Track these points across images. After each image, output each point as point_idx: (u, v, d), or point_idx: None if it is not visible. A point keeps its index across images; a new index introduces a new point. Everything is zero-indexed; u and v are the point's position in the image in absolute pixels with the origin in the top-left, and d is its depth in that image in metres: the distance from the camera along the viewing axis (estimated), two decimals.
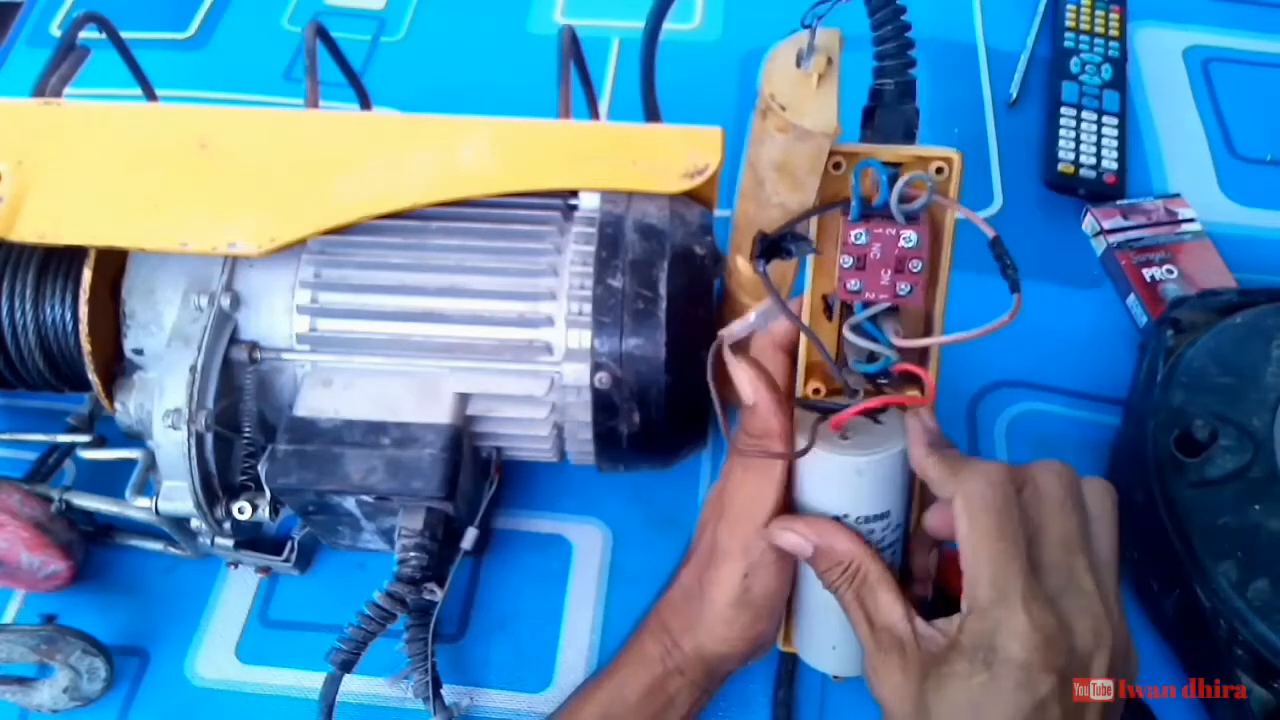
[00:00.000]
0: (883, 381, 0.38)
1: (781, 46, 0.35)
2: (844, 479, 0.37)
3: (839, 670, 0.41)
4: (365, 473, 0.42)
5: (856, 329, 0.36)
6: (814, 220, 0.37)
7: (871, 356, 0.36)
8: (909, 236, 0.34)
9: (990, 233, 0.34)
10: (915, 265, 0.35)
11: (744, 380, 0.38)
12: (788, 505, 0.39)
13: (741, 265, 0.43)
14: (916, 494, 0.39)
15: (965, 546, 0.33)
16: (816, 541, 0.36)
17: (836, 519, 0.38)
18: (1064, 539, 0.34)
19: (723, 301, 0.48)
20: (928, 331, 0.37)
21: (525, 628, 0.52)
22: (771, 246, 0.37)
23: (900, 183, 0.34)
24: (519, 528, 0.55)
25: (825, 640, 0.41)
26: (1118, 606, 0.34)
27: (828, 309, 0.38)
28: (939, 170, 0.35)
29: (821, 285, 0.38)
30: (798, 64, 0.34)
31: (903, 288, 0.35)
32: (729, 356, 0.38)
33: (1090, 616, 0.33)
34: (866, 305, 0.36)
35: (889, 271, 0.35)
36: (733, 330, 0.38)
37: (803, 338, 0.38)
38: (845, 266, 0.35)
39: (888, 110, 0.36)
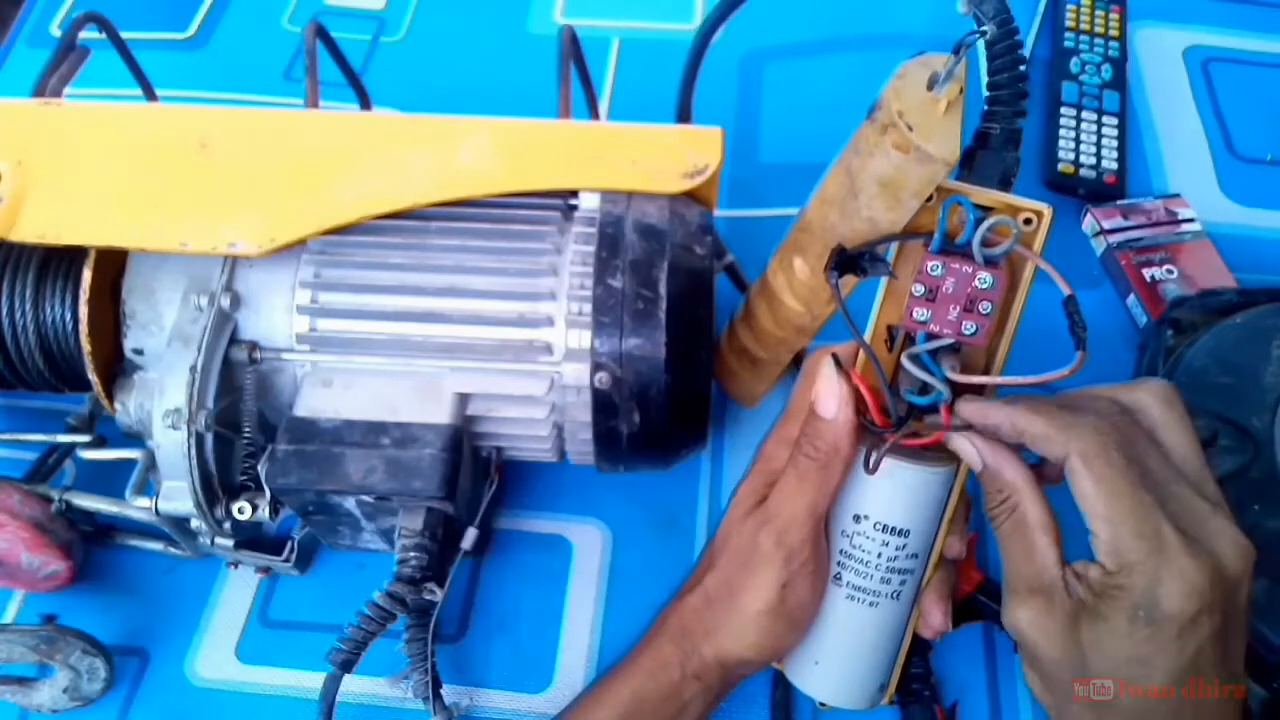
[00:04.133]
0: (930, 418, 0.37)
1: (911, 65, 0.35)
2: (873, 478, 0.37)
3: (821, 693, 0.41)
4: (365, 473, 0.42)
5: (915, 359, 0.36)
6: (894, 246, 0.37)
7: (924, 390, 0.36)
8: (984, 278, 0.34)
9: (1066, 290, 0.34)
10: (985, 307, 0.35)
11: (835, 393, 0.37)
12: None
13: (799, 268, 0.43)
14: (942, 534, 0.39)
15: (1095, 502, 0.32)
16: (989, 460, 0.35)
17: (855, 518, 0.38)
18: (1155, 472, 0.32)
19: (757, 297, 0.48)
20: (985, 372, 0.37)
21: (525, 628, 0.52)
22: (848, 262, 0.37)
23: (985, 225, 0.34)
24: (519, 528, 0.55)
25: (808, 655, 0.41)
26: (1228, 506, 0.33)
27: (890, 339, 0.38)
28: (1027, 221, 0.35)
29: (889, 314, 0.38)
30: (929, 87, 0.34)
31: (968, 326, 0.35)
32: (826, 362, 0.38)
33: (1228, 538, 0.32)
34: (929, 338, 0.36)
35: (958, 308, 0.35)
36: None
37: (860, 360, 0.38)
38: (916, 294, 0.35)
39: (990, 154, 0.36)
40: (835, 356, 0.38)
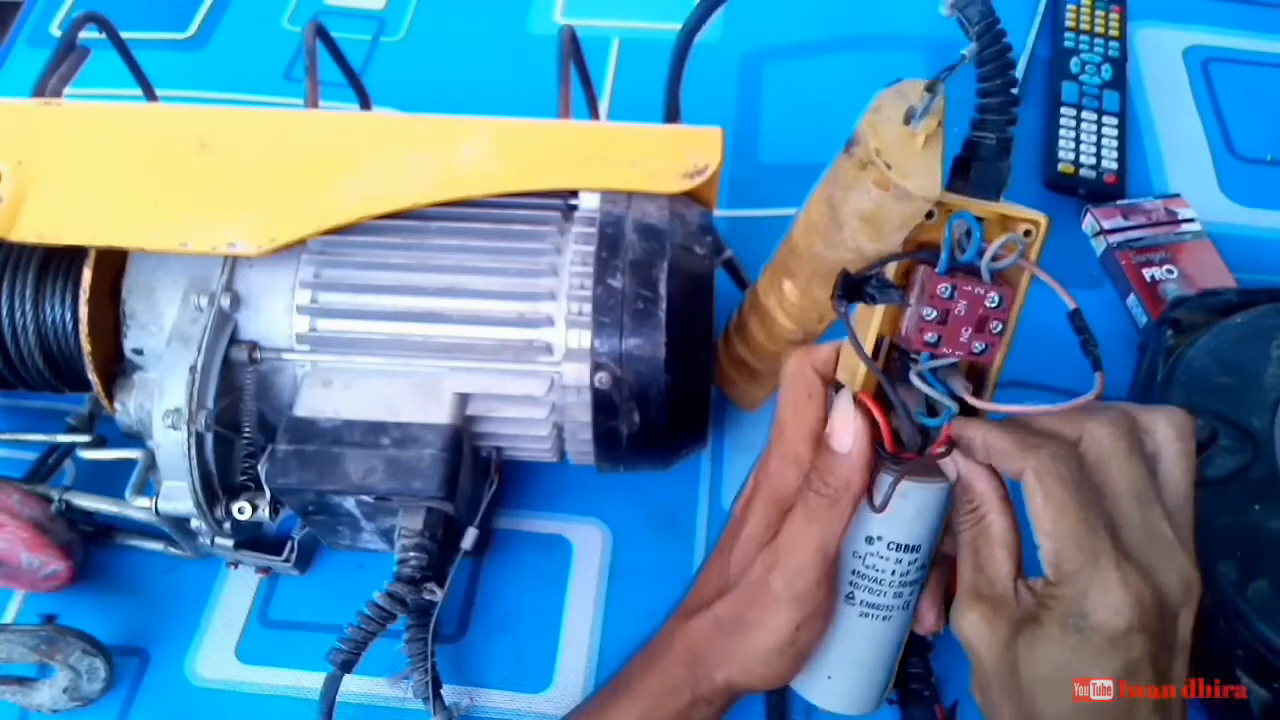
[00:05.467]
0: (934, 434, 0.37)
1: (887, 95, 0.34)
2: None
3: (834, 705, 0.41)
4: (365, 473, 0.42)
5: (922, 378, 0.35)
6: (893, 264, 0.37)
7: (932, 410, 0.36)
8: (994, 297, 0.34)
9: (1071, 304, 0.34)
10: (996, 326, 0.34)
11: (850, 426, 0.36)
12: None
13: (789, 289, 0.43)
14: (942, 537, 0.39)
15: (1043, 518, 0.33)
16: (962, 470, 0.36)
17: (868, 539, 0.38)
18: (1134, 491, 0.33)
19: (750, 312, 0.48)
20: (979, 384, 0.37)
21: (525, 628, 0.52)
22: (854, 288, 0.36)
23: (996, 244, 0.34)
24: (519, 528, 0.55)
25: (821, 670, 0.40)
26: (1194, 548, 0.34)
27: (876, 350, 0.37)
28: (1026, 233, 0.35)
29: (882, 326, 0.37)
30: (906, 120, 0.34)
31: (978, 346, 0.35)
32: (843, 395, 0.37)
33: (1176, 569, 0.33)
34: (932, 357, 0.35)
35: (969, 329, 0.34)
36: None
37: (861, 370, 0.37)
38: (927, 318, 0.34)
39: (984, 165, 0.35)
40: (855, 395, 0.37)
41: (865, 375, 0.37)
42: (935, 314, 0.34)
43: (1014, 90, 0.34)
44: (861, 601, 0.38)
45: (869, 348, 0.36)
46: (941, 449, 0.36)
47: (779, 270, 0.44)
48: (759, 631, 0.38)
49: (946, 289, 0.34)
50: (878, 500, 0.37)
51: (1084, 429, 0.34)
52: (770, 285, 0.45)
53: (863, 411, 0.36)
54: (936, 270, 0.34)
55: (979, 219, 0.34)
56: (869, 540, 0.38)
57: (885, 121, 0.34)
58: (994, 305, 0.34)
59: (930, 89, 0.33)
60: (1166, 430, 0.35)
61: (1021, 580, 0.35)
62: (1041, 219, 0.35)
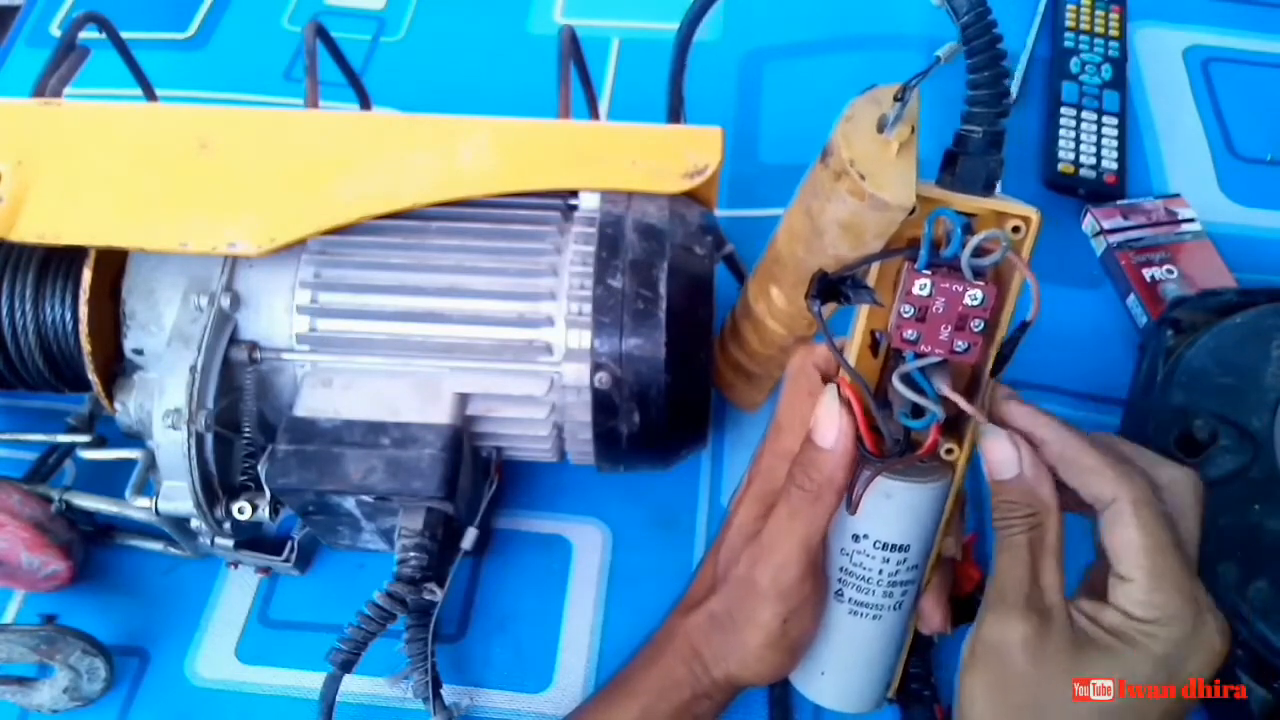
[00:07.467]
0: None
1: (859, 104, 0.34)
2: (870, 498, 0.36)
3: (828, 701, 0.41)
4: (365, 473, 0.42)
5: (906, 379, 0.35)
6: (876, 263, 0.36)
7: (917, 411, 0.35)
8: (974, 295, 0.33)
9: (1033, 313, 0.33)
10: (977, 324, 0.34)
11: (833, 422, 0.36)
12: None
13: (776, 296, 0.43)
14: (939, 538, 0.39)
15: (1139, 553, 0.33)
16: (1029, 472, 0.35)
17: (854, 537, 0.37)
18: (1196, 546, 0.34)
19: (742, 318, 0.48)
20: (973, 385, 0.36)
21: (525, 628, 0.52)
22: (829, 288, 0.35)
23: (975, 241, 0.33)
24: (519, 528, 0.55)
25: (815, 665, 0.40)
26: None
27: (874, 345, 0.37)
28: (1015, 229, 0.34)
29: (873, 322, 0.36)
30: (879, 129, 0.33)
31: (960, 345, 0.34)
32: (829, 390, 0.36)
33: (1224, 620, 0.33)
34: (918, 356, 0.35)
35: (949, 327, 0.34)
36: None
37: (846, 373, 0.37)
38: (905, 315, 0.34)
39: (972, 159, 0.34)
40: (838, 386, 0.37)
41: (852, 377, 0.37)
42: (913, 311, 0.34)
43: (1005, 82, 0.33)
44: (850, 599, 0.38)
45: (857, 346, 0.36)
46: (930, 451, 0.36)
47: (766, 277, 0.44)
48: (749, 628, 0.38)
49: (924, 285, 0.33)
50: (853, 497, 0.36)
51: (1158, 472, 0.34)
52: (759, 292, 0.45)
53: (847, 409, 0.36)
54: (916, 265, 0.34)
55: (967, 214, 0.34)
56: (855, 538, 0.37)
57: (858, 130, 0.34)
58: (975, 304, 0.33)
59: (900, 96, 0.32)
60: (1186, 489, 0.35)
61: (1070, 600, 0.34)
62: (1033, 214, 0.34)
